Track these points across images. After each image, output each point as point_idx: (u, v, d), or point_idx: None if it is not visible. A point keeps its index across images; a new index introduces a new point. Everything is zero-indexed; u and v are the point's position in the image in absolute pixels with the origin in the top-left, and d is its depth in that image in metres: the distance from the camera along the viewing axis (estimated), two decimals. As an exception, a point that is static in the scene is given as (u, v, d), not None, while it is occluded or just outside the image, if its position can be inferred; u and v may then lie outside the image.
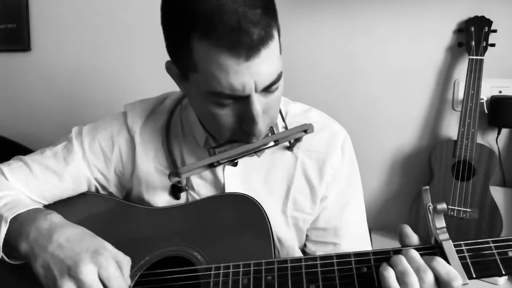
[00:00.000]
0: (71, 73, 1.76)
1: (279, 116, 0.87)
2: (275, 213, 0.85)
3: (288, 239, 0.86)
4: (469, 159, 1.31)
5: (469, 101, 1.31)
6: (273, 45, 0.67)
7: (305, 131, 0.79)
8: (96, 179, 0.88)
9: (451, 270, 0.59)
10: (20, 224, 0.71)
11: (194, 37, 0.65)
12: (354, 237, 0.89)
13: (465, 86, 1.32)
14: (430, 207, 0.64)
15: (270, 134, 0.79)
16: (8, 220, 0.71)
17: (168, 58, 0.76)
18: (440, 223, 0.63)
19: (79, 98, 1.76)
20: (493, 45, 1.32)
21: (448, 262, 0.61)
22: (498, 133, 1.37)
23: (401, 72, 1.46)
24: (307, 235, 0.89)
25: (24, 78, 1.82)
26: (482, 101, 1.35)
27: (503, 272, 0.60)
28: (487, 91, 1.37)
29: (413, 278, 0.58)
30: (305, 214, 0.86)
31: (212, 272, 0.70)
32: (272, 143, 0.79)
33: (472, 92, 1.31)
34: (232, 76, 0.65)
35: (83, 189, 0.88)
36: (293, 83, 1.53)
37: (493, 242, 0.62)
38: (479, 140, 1.38)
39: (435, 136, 1.45)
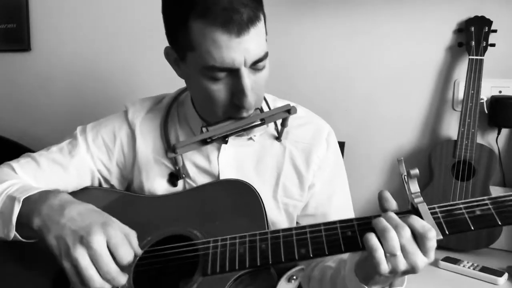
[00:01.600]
0: (71, 73, 1.76)
1: (267, 109, 0.93)
2: (267, 198, 0.91)
3: (279, 222, 0.92)
4: (469, 159, 1.31)
5: (469, 101, 1.31)
6: (260, 26, 0.77)
7: (289, 111, 0.84)
8: (99, 171, 0.95)
9: (425, 223, 0.65)
10: (32, 203, 0.76)
11: (192, 19, 0.74)
12: None
13: (465, 86, 1.32)
14: (405, 176, 0.70)
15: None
16: (21, 200, 0.76)
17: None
18: (415, 188, 0.69)
19: (79, 98, 1.76)
20: (493, 45, 1.32)
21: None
22: (498, 133, 1.37)
23: (401, 72, 1.46)
24: (297, 223, 0.96)
25: (24, 78, 1.82)
26: (482, 101, 1.35)
27: (472, 228, 0.67)
28: (487, 91, 1.37)
29: (392, 233, 0.64)
30: (295, 200, 0.93)
31: (211, 245, 0.76)
32: (259, 121, 0.84)
33: (472, 92, 1.31)
34: (225, 51, 0.74)
35: (87, 182, 0.94)
36: (292, 83, 1.53)
37: (463, 203, 0.69)
38: (479, 140, 1.38)
39: (435, 136, 1.45)
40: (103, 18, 1.69)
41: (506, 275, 1.15)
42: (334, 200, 0.95)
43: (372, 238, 0.65)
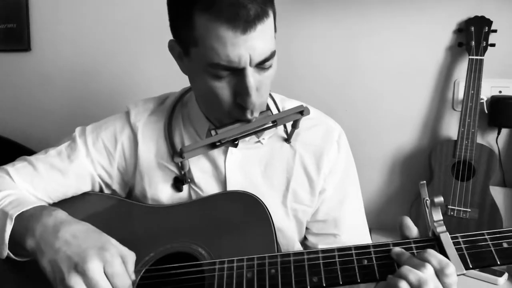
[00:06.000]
0: (71, 73, 1.76)
1: (276, 111, 0.90)
2: (275, 204, 0.87)
3: (288, 229, 0.88)
4: (469, 159, 1.31)
5: (469, 101, 1.31)
6: (268, 23, 0.72)
7: (301, 113, 0.80)
8: (99, 176, 0.90)
9: (442, 258, 0.61)
10: (26, 221, 0.72)
11: (196, 13, 0.70)
12: (353, 227, 0.91)
13: (465, 86, 1.32)
14: (427, 201, 0.66)
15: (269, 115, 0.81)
16: (14, 218, 0.72)
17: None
18: (437, 216, 0.65)
19: (79, 98, 1.76)
20: (493, 45, 1.32)
21: (445, 254, 0.63)
22: (498, 133, 1.37)
23: (401, 72, 1.46)
24: (307, 228, 0.92)
25: (24, 78, 1.82)
26: (482, 101, 1.35)
27: (498, 262, 0.63)
28: (487, 91, 1.37)
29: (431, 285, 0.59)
30: (305, 206, 0.89)
31: (217, 266, 0.71)
32: (270, 123, 0.80)
33: (472, 92, 1.31)
34: (229, 48, 0.69)
35: (87, 187, 0.90)
36: (294, 83, 1.53)
37: (488, 234, 0.65)
38: (479, 140, 1.38)
39: (435, 136, 1.45)
40: (104, 18, 1.69)
41: (506, 275, 1.15)
42: (346, 204, 0.90)
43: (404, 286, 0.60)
